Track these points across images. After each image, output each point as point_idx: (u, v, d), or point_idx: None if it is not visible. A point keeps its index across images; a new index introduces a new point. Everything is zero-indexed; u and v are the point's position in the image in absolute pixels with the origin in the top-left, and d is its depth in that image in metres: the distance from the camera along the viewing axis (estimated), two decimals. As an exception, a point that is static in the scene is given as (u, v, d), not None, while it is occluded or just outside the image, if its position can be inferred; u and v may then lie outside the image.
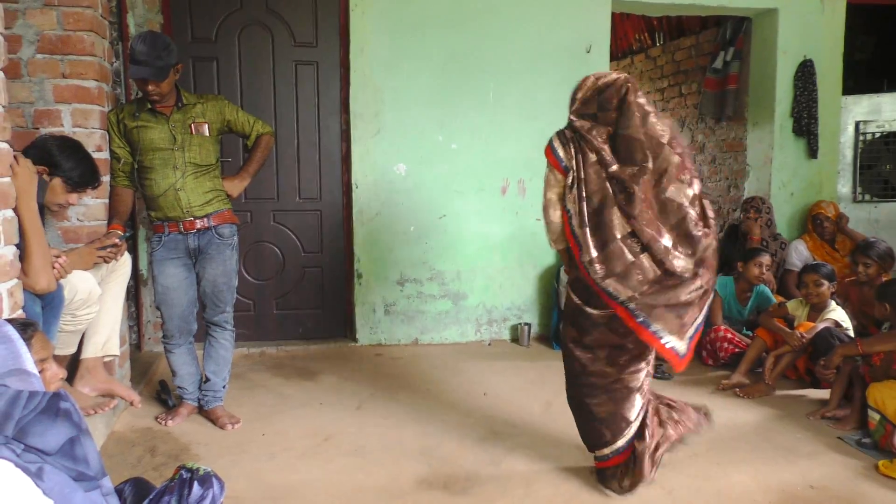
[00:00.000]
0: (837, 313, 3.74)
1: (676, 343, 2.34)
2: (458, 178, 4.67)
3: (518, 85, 4.70)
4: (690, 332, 2.39)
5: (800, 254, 4.90)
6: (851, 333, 3.68)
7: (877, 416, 2.98)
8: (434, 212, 4.67)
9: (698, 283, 2.36)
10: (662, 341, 2.31)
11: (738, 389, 3.71)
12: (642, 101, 2.42)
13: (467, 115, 4.66)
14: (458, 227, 4.73)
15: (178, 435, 3.07)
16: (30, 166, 2.25)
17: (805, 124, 5.15)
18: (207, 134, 3.12)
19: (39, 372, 1.56)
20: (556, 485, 2.63)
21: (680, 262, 2.32)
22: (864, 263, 3.84)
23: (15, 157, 2.26)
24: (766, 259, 4.31)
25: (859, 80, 6.17)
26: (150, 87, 2.93)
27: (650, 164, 2.35)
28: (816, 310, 3.81)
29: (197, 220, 3.10)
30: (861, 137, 5.77)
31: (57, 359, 2.62)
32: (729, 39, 5.63)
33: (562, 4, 4.70)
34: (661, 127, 2.41)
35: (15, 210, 2.10)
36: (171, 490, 1.63)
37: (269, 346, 4.53)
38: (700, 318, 2.43)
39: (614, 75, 2.48)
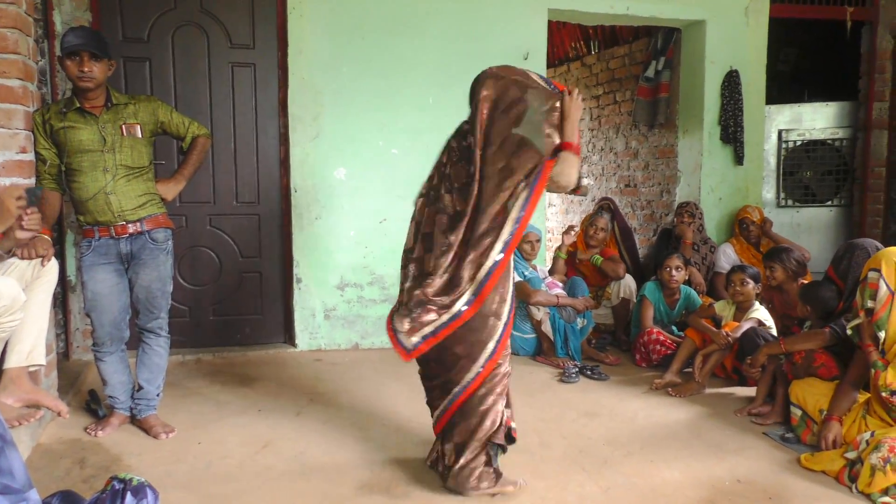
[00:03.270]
0: (761, 312, 3.92)
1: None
2: (399, 183, 4.67)
3: (458, 89, 4.66)
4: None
5: (728, 257, 5.10)
6: (774, 332, 3.86)
7: (798, 412, 3.14)
8: (375, 216, 4.67)
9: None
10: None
11: (670, 389, 3.84)
12: None
13: (407, 119, 4.67)
14: (399, 231, 4.66)
15: (109, 446, 2.98)
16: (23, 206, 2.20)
17: (732, 132, 5.37)
18: (140, 135, 3.04)
19: (-40, 383, 1.50)
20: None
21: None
22: (769, 268, 4.03)
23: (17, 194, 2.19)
24: (675, 262, 4.47)
25: (782, 90, 6.46)
26: (86, 66, 2.84)
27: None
28: (742, 310, 3.97)
29: (129, 225, 3.02)
30: (784, 145, 6.05)
31: (-22, 369, 2.51)
32: (660, 49, 5.83)
33: (500, 12, 4.77)
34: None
35: None
36: (103, 502, 1.60)
37: (205, 353, 4.43)
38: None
39: None
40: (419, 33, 4.64)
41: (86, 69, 2.85)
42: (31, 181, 3.00)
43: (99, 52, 2.87)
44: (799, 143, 6.05)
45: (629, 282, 4.89)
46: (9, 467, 1.44)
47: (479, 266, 2.43)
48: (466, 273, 2.43)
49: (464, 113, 4.73)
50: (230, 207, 4.54)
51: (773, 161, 6.05)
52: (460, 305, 2.43)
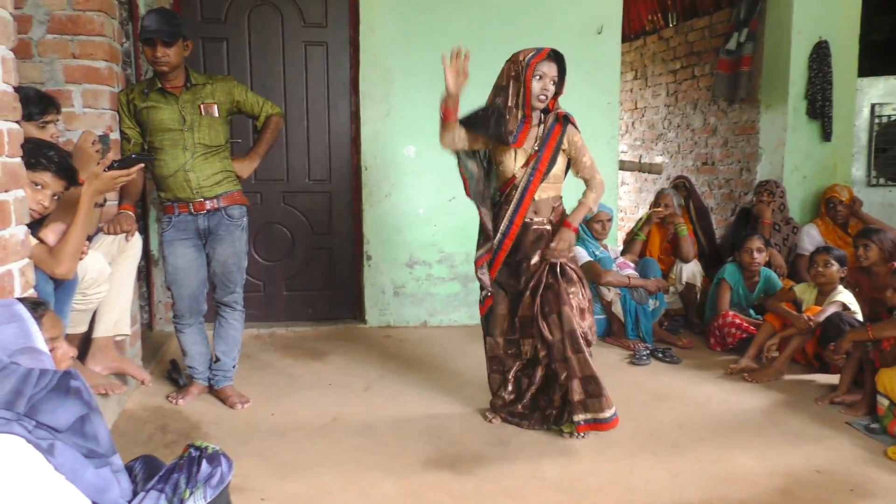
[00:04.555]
0: (845, 295, 3.71)
1: None
2: (468, 161, 4.65)
3: (529, 66, 4.65)
4: None
5: (812, 238, 4.87)
6: (860, 317, 3.66)
7: (886, 402, 2.97)
8: (443, 194, 4.66)
9: None
10: None
11: (745, 374, 3.70)
12: None
13: (477, 96, 4.60)
14: (467, 209, 4.66)
15: (189, 414, 3.11)
16: (100, 151, 2.31)
17: (819, 107, 5.09)
18: (217, 115, 3.12)
19: (50, 350, 1.58)
20: (562, 465, 2.64)
21: None
22: (863, 245, 3.80)
23: (92, 139, 2.31)
24: (756, 244, 4.29)
25: (876, 61, 6.07)
26: (159, 52, 2.93)
27: None
28: (823, 293, 3.78)
29: (207, 202, 3.11)
30: (876, 120, 5.70)
31: (68, 338, 2.65)
32: (743, 20, 5.55)
33: (573, -17, 4.65)
34: None
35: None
36: (181, 468, 1.65)
37: (278, 327, 4.56)
38: None
39: None
40: (487, 7, 4.58)
41: (159, 55, 2.94)
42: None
43: (169, 40, 2.93)
44: (894, 117, 5.68)
45: (694, 266, 4.73)
46: (94, 433, 1.51)
47: None
48: None
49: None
50: (303, 185, 4.63)
51: (864, 137, 5.72)
52: None
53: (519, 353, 3.02)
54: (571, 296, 2.85)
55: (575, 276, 2.92)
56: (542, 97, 2.83)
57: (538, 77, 2.82)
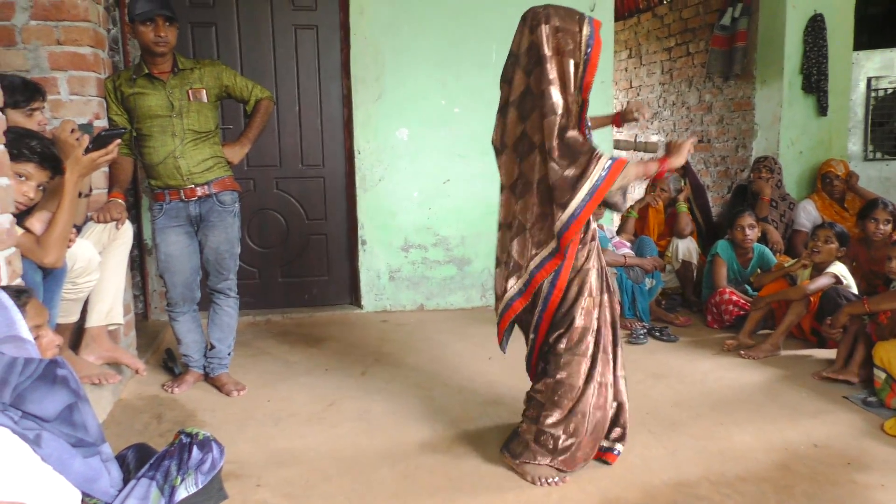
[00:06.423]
0: (838, 267, 3.69)
1: None
2: (462, 142, 4.62)
3: (521, 46, 4.61)
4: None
5: (808, 213, 4.85)
6: (855, 290, 3.65)
7: (883, 375, 2.97)
8: (437, 176, 4.64)
9: None
10: None
11: (742, 350, 3.70)
12: None
13: (469, 76, 4.59)
14: (461, 191, 4.70)
15: (185, 402, 3.10)
16: (81, 138, 2.27)
17: (815, 81, 5.06)
18: (205, 100, 3.08)
19: (35, 338, 1.57)
20: (560, 446, 2.63)
21: None
22: (884, 220, 3.77)
23: (72, 128, 2.28)
24: (748, 220, 4.28)
25: (873, 34, 6.02)
26: (162, 31, 2.87)
27: None
28: (818, 270, 3.76)
29: (197, 188, 3.08)
30: (873, 94, 5.66)
31: (60, 327, 2.64)
32: (738, -5, 5.50)
33: (565, -39, 4.59)
34: None
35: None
36: (172, 454, 1.65)
37: (274, 314, 4.55)
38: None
39: None
40: (480, -13, 4.53)
41: (162, 34, 2.88)
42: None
43: (173, 16, 2.90)
44: (890, 91, 5.65)
45: (690, 244, 4.72)
46: (82, 422, 1.50)
47: None
48: None
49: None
50: (296, 170, 4.60)
51: (860, 111, 5.69)
52: None
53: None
54: None
55: None
56: None
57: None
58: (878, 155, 5.72)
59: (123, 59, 4.14)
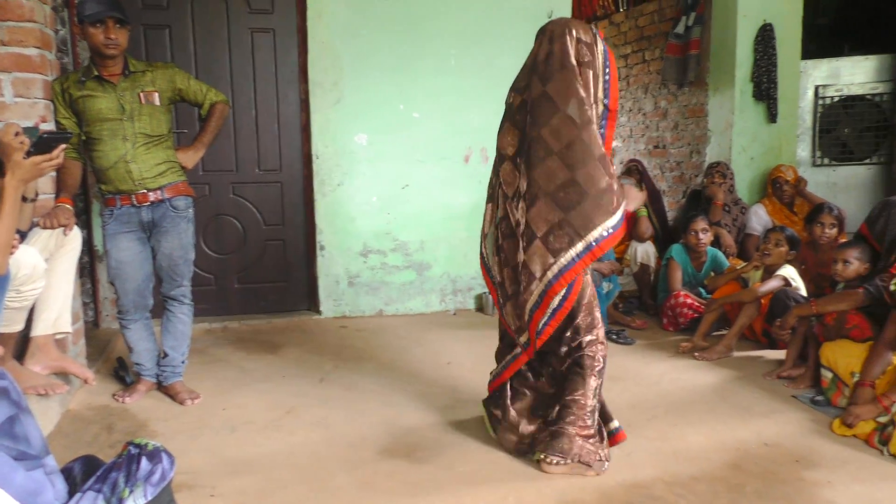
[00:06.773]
0: (787, 269, 3.80)
1: None
2: (421, 147, 4.62)
3: (479, 51, 4.64)
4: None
5: (759, 218, 4.97)
6: (804, 292, 3.75)
7: (829, 375, 3.06)
8: (397, 182, 4.63)
9: None
10: None
11: (696, 352, 3.77)
12: None
13: (428, 82, 4.60)
14: (421, 196, 4.69)
15: (136, 412, 3.03)
16: (25, 142, 2.19)
17: (765, 89, 5.19)
18: (158, 103, 3.02)
19: (-27, 350, 1.51)
20: (518, 450, 2.64)
21: None
22: (830, 224, 3.89)
23: (14, 130, 2.20)
24: (701, 224, 4.37)
25: (822, 44, 6.20)
26: (112, 33, 2.81)
27: None
28: (769, 272, 3.86)
29: (150, 193, 3.02)
30: (820, 102, 5.83)
31: (3, 336, 2.56)
32: (690, 4, 5.62)
33: (522, -32, 4.64)
34: None
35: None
36: (119, 466, 1.60)
37: (231, 321, 4.48)
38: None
39: None
40: (438, -7, 4.54)
41: (112, 36, 2.82)
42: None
43: (124, 18, 2.84)
44: (836, 98, 5.82)
45: (648, 247, 4.80)
46: (24, 434, 1.46)
47: None
48: None
49: (484, 75, 4.66)
50: (253, 175, 4.54)
51: (808, 119, 5.85)
52: None
53: None
54: None
55: None
56: None
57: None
58: (826, 161, 5.90)
59: (73, 61, 4.04)
